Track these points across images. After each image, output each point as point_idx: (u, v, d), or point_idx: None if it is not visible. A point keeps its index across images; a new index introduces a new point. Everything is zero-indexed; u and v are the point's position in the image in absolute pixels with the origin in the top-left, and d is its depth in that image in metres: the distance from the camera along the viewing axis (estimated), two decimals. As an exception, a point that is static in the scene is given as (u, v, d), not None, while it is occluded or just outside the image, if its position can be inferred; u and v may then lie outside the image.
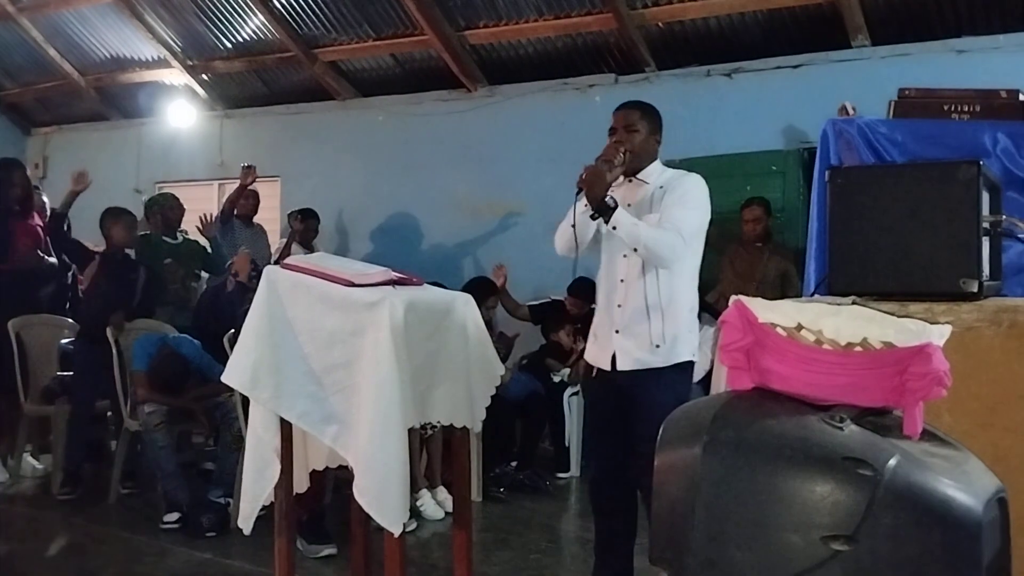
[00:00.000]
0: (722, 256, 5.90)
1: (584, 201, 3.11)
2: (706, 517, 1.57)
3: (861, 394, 1.62)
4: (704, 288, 5.95)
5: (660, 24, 6.60)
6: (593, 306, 6.36)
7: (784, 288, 5.48)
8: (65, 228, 6.01)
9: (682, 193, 3.24)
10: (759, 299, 1.77)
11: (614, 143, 3.25)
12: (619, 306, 3.26)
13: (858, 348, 1.63)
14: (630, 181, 3.32)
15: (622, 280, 3.26)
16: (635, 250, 3.12)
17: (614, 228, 3.09)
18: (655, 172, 3.36)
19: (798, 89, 6.28)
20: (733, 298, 1.81)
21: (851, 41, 6.17)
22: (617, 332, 3.25)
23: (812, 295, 2.73)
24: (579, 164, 7.28)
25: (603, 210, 3.06)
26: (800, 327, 1.69)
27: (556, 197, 6.88)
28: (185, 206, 6.60)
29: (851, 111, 4.30)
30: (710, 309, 5.80)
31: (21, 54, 9.01)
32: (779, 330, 1.71)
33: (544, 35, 7.01)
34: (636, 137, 3.31)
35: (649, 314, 3.20)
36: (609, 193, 3.08)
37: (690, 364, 3.28)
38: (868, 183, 2.40)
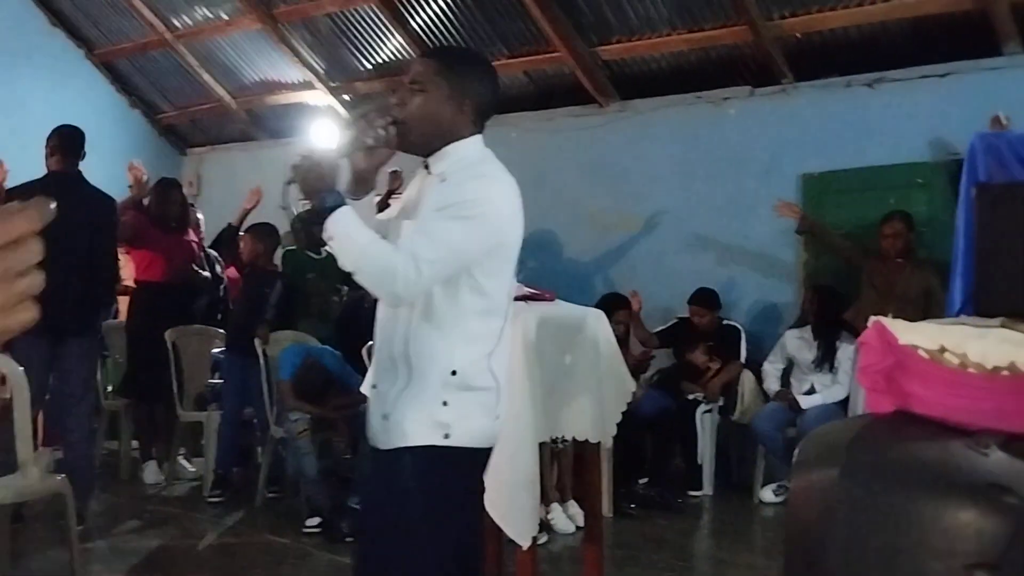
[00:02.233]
0: (860, 272, 5.74)
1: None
2: (843, 541, 1.55)
3: (1008, 420, 1.57)
4: (843, 305, 5.83)
5: (798, 35, 6.47)
6: (720, 316, 6.32)
7: (927, 306, 5.23)
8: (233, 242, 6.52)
9: (452, 193, 2.11)
10: (900, 320, 1.74)
11: (377, 109, 2.25)
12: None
13: (1005, 372, 1.57)
14: (426, 168, 2.26)
15: (379, 313, 2.28)
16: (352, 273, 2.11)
17: (330, 239, 2.09)
18: (452, 157, 2.20)
19: (945, 99, 6.03)
20: (872, 319, 1.78)
21: (1002, 48, 5.89)
22: (374, 387, 2.26)
23: (957, 314, 2.63)
24: (712, 178, 7.17)
25: (321, 213, 2.09)
26: (943, 349, 1.65)
27: (689, 212, 6.89)
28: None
29: (1004, 122, 4.12)
30: (849, 327, 5.66)
31: (178, 79, 9.55)
32: (921, 352, 1.67)
33: (677, 49, 6.97)
34: (414, 101, 2.17)
35: (396, 368, 2.16)
36: (348, 190, 2.16)
37: (431, 451, 2.11)
38: (1018, 200, 2.31)
